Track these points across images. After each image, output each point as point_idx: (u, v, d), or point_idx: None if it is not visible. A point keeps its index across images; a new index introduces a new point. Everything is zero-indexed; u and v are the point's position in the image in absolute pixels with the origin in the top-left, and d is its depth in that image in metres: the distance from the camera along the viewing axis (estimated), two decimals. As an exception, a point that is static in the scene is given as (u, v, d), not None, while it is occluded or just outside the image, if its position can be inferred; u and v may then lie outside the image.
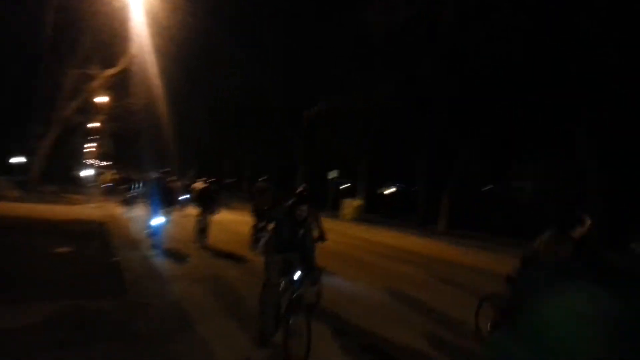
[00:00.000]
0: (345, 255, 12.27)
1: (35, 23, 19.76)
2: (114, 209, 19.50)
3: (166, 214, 11.04)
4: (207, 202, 11.94)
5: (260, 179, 12.88)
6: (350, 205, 26.16)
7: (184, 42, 22.32)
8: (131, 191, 19.78)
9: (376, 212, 29.23)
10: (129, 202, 18.87)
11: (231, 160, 47.45)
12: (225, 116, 38.40)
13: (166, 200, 11.15)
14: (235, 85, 32.73)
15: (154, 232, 10.91)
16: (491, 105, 19.74)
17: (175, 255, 10.45)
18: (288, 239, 5.34)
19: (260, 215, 11.19)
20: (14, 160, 33.45)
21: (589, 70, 15.15)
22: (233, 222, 17.49)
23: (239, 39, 28.96)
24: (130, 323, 5.63)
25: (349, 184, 37.73)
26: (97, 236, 12.01)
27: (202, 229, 11.94)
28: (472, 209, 24.15)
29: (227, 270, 9.33)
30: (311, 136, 32.15)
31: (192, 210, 12.87)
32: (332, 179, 28.73)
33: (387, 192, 42.12)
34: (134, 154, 55.74)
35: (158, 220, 10.82)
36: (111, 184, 23.98)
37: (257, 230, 11.02)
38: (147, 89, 26.68)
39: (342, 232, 17.41)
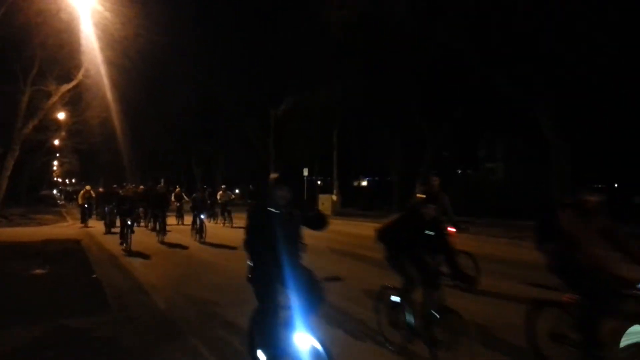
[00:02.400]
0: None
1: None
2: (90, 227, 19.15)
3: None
4: None
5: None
6: (327, 200, 26.18)
7: (137, 54, 21.84)
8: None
9: (352, 205, 29.31)
10: (113, 221, 16.61)
11: (200, 167, 46.91)
12: (188, 124, 38.08)
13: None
14: (195, 91, 32.45)
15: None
16: (459, 89, 19.92)
17: None
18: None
19: None
20: None
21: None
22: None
23: (195, 41, 28.47)
24: (117, 338, 5.45)
25: (320, 180, 37.78)
26: (74, 255, 11.66)
27: None
28: (447, 194, 24.33)
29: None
30: (280, 135, 32.02)
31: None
32: (305, 177, 28.75)
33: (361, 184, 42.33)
34: (98, 168, 54.63)
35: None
36: (87, 202, 21.53)
37: None
38: (102, 102, 26.13)
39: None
